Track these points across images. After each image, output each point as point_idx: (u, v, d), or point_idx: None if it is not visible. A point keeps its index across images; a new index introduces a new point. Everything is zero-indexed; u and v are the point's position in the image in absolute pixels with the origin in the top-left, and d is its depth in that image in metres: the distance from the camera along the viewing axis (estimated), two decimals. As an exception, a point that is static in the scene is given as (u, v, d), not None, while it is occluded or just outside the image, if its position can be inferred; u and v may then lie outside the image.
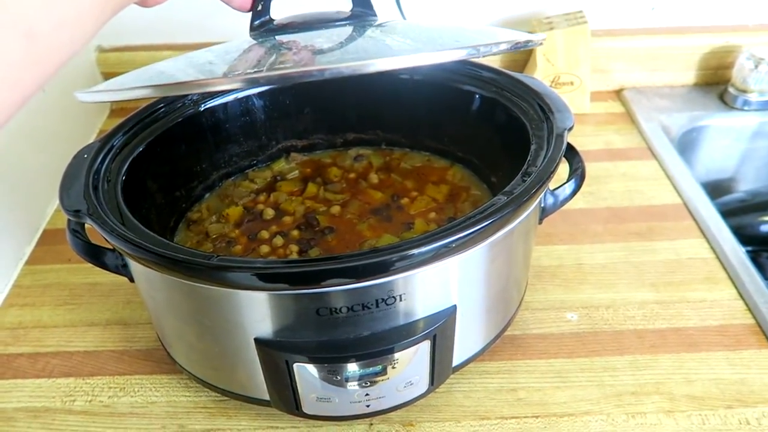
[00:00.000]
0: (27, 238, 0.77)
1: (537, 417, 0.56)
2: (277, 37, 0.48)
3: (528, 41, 0.44)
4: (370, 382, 0.49)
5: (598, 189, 0.83)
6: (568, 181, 0.55)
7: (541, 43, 0.46)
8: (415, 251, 0.41)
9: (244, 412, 0.57)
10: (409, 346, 0.47)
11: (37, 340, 0.65)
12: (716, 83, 1.03)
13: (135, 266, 0.49)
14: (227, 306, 0.45)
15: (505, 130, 0.60)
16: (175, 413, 0.57)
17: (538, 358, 0.61)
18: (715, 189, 0.97)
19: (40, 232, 0.79)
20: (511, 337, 0.62)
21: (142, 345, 0.64)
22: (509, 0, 1.00)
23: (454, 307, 0.49)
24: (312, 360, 0.47)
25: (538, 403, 0.57)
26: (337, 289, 0.43)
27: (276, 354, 0.47)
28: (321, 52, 0.44)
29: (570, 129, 0.52)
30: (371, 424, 0.55)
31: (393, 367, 0.48)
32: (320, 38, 0.46)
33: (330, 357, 0.47)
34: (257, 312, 0.45)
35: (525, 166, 0.50)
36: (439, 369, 0.52)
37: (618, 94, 1.04)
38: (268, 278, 0.41)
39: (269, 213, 0.66)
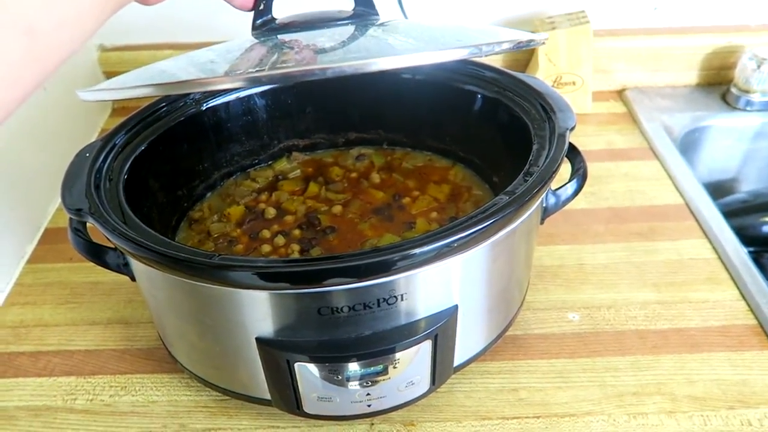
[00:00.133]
0: (28, 237, 0.77)
1: (538, 417, 0.56)
2: (279, 36, 0.48)
3: (530, 41, 0.44)
4: (371, 381, 0.49)
5: (599, 189, 0.83)
6: (569, 181, 0.55)
7: (543, 43, 0.46)
8: (417, 251, 0.41)
9: (245, 411, 0.57)
10: (411, 346, 0.47)
11: (39, 339, 0.65)
12: (718, 83, 1.03)
13: (136, 265, 0.49)
14: (228, 305, 0.45)
15: (507, 130, 0.60)
16: (176, 412, 0.57)
17: (539, 358, 0.61)
18: (717, 189, 0.97)
19: (42, 230, 0.79)
20: (513, 337, 0.62)
21: (143, 344, 0.64)
22: (511, 0, 1.00)
23: (456, 306, 0.48)
24: (313, 359, 0.47)
25: (540, 404, 0.57)
26: (339, 289, 0.43)
27: (277, 353, 0.47)
28: (323, 51, 0.44)
29: (572, 129, 0.52)
30: (372, 424, 0.55)
31: (394, 367, 0.48)
32: (322, 37, 0.46)
33: (331, 356, 0.47)
34: (258, 311, 0.45)
35: (527, 166, 0.50)
36: (441, 369, 0.52)
37: (620, 94, 1.04)
38: (269, 277, 0.41)
39: (271, 212, 0.66)
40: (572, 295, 0.67)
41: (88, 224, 0.50)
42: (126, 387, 0.59)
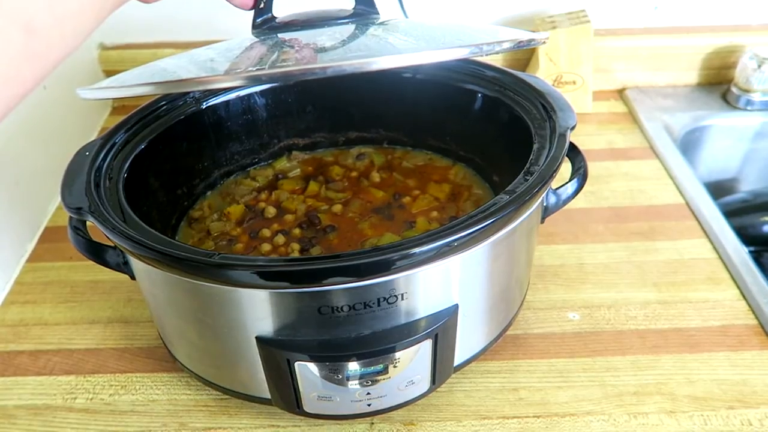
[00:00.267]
0: (28, 236, 0.77)
1: (538, 417, 0.56)
2: (279, 35, 0.48)
3: (531, 40, 0.44)
4: (371, 381, 0.49)
5: (600, 188, 0.83)
6: (570, 180, 0.55)
7: (544, 42, 0.46)
8: (417, 250, 0.41)
9: (245, 410, 0.57)
10: (411, 345, 0.47)
11: (39, 338, 0.65)
12: (719, 83, 1.03)
13: (136, 264, 0.49)
14: (228, 304, 0.45)
15: (508, 129, 0.60)
16: (176, 411, 0.57)
17: (539, 357, 0.61)
18: (718, 189, 0.97)
19: (42, 229, 0.79)
20: (513, 336, 0.62)
21: (143, 343, 0.64)
22: (512, -1, 1.00)
23: (456, 306, 0.48)
24: (313, 359, 0.47)
25: (540, 403, 0.57)
26: (339, 288, 0.43)
27: (277, 352, 0.47)
28: (323, 50, 0.44)
29: (572, 128, 0.52)
30: (372, 423, 0.55)
31: (394, 366, 0.48)
32: (322, 36, 0.46)
33: (331, 356, 0.47)
34: (258, 310, 0.45)
35: (527, 165, 0.49)
36: (441, 368, 0.52)
37: (620, 93, 1.04)
38: (269, 276, 0.41)
39: (271, 211, 0.66)
40: (572, 295, 0.67)
41: (88, 223, 0.50)
42: (126, 386, 0.59)
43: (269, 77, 0.39)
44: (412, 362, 0.49)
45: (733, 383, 0.58)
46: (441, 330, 0.48)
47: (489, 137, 0.65)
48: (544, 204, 0.54)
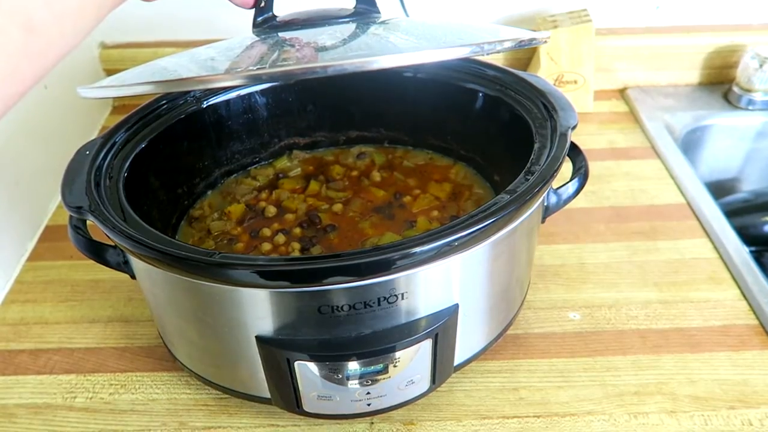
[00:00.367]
0: (29, 235, 0.77)
1: (539, 417, 0.55)
2: (279, 34, 0.48)
3: (532, 39, 0.44)
4: (371, 380, 0.49)
5: (601, 188, 0.83)
6: (571, 179, 0.55)
7: (545, 41, 0.46)
8: (418, 249, 0.41)
9: (244, 410, 0.57)
10: (411, 345, 0.47)
11: (39, 337, 0.65)
12: (720, 82, 1.03)
13: (136, 263, 0.49)
14: (229, 303, 0.45)
15: (509, 129, 0.60)
16: (175, 410, 0.57)
17: (540, 357, 0.61)
18: (719, 189, 0.97)
19: (42, 228, 0.79)
20: (513, 336, 0.62)
21: (143, 342, 0.64)
22: (513, -2, 1.00)
23: (456, 305, 0.48)
24: (313, 358, 0.47)
25: (540, 403, 0.57)
26: (339, 287, 0.43)
27: (277, 352, 0.47)
28: (324, 49, 0.44)
29: (573, 127, 0.52)
30: (372, 423, 0.55)
31: (394, 366, 0.48)
32: (323, 35, 0.46)
33: (331, 355, 0.47)
34: (259, 310, 0.45)
35: (528, 165, 0.49)
36: (441, 368, 0.52)
37: (622, 93, 1.04)
38: (269, 276, 0.41)
39: (271, 210, 0.66)
40: (573, 295, 0.67)
41: (88, 222, 0.50)
42: (126, 385, 0.59)
43: (270, 76, 0.39)
44: (413, 362, 0.49)
45: (734, 383, 0.58)
46: (441, 329, 0.48)
47: (490, 136, 0.65)
48: (545, 204, 0.54)
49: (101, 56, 1.02)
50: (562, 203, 0.55)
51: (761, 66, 0.93)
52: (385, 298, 0.44)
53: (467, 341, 0.53)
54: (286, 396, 0.50)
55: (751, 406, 0.56)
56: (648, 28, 1.02)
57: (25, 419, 0.57)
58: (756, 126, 0.96)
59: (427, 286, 0.46)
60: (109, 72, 1.02)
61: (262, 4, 0.50)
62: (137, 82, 0.40)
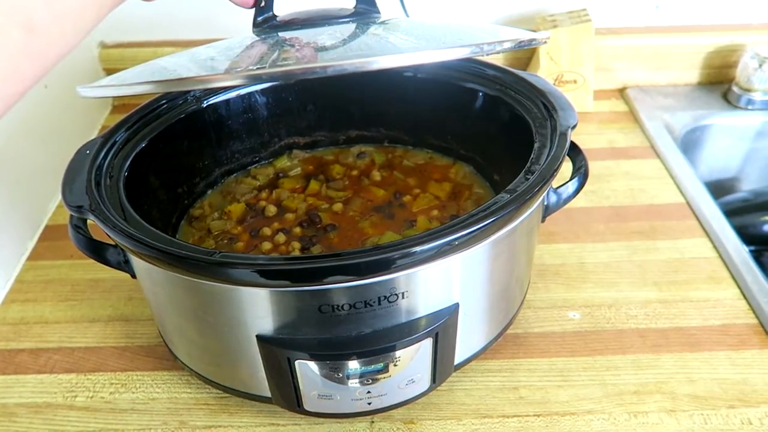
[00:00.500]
0: (29, 234, 0.77)
1: (539, 416, 0.56)
2: (279, 33, 0.48)
3: (532, 40, 0.44)
4: (371, 379, 0.49)
5: (600, 187, 0.83)
6: (571, 179, 0.55)
7: (545, 42, 0.46)
8: (418, 249, 0.41)
9: (245, 409, 0.57)
10: (411, 344, 0.47)
11: (39, 336, 0.65)
12: (720, 82, 1.03)
13: (137, 262, 0.49)
14: (229, 303, 0.45)
15: (509, 128, 0.60)
16: (176, 410, 0.57)
17: (539, 356, 0.61)
18: (719, 188, 0.97)
19: (42, 227, 0.79)
20: (513, 335, 0.62)
21: (143, 341, 0.64)
22: (513, -2, 1.00)
23: (457, 305, 0.48)
24: (313, 357, 0.47)
25: (540, 402, 0.57)
26: (340, 287, 0.43)
27: (278, 351, 0.47)
28: (324, 49, 0.44)
29: (573, 127, 0.52)
30: (372, 422, 0.55)
31: (395, 365, 0.48)
32: (323, 35, 0.46)
33: (332, 354, 0.47)
34: (259, 309, 0.45)
35: (528, 164, 0.49)
36: (441, 367, 0.52)
37: (621, 92, 1.04)
38: (270, 275, 0.41)
39: (271, 210, 0.66)
40: (573, 294, 0.67)
41: (88, 221, 0.50)
42: (126, 384, 0.59)
43: (270, 76, 0.39)
44: (413, 361, 0.49)
45: (733, 382, 0.58)
46: (441, 329, 0.48)
47: (490, 136, 0.65)
48: (545, 203, 0.54)
49: (101, 56, 1.02)
50: (562, 203, 0.55)
51: (761, 66, 0.93)
52: (385, 297, 0.44)
53: (467, 340, 0.53)
54: (287, 395, 0.50)
55: (750, 405, 0.56)
56: (647, 28, 1.02)
57: (25, 418, 0.57)
58: (755, 125, 0.96)
59: (428, 285, 0.46)
60: (109, 71, 1.02)
61: (263, 4, 0.50)
62: (137, 81, 0.40)
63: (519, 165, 0.50)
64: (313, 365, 0.47)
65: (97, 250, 0.51)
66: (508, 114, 0.60)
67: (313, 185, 0.69)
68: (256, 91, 0.67)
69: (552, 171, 0.48)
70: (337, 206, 0.66)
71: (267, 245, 0.61)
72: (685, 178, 0.83)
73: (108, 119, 1.01)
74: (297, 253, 0.60)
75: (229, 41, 0.47)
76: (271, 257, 0.47)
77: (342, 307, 0.44)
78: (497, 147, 0.65)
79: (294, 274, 0.41)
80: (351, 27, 0.48)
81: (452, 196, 0.67)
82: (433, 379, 0.52)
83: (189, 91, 0.63)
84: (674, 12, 1.02)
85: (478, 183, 0.69)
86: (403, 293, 0.45)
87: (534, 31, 0.47)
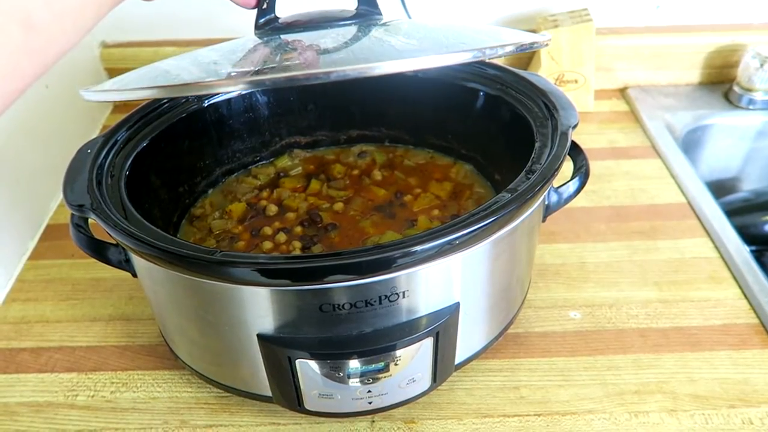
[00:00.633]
0: (30, 233, 0.77)
1: (539, 415, 0.56)
2: (282, 36, 0.48)
3: (533, 43, 0.44)
4: (372, 378, 0.49)
5: (601, 187, 0.83)
6: (571, 179, 0.55)
7: (546, 44, 0.46)
8: (419, 248, 0.41)
9: (246, 408, 0.57)
10: (412, 343, 0.47)
11: (40, 335, 0.65)
12: (721, 82, 1.03)
13: (138, 261, 0.49)
14: (230, 302, 0.45)
15: (510, 128, 0.60)
16: (177, 409, 0.57)
17: (540, 356, 0.61)
18: (720, 188, 0.97)
19: (44, 227, 0.79)
20: (514, 335, 0.62)
21: (144, 340, 0.64)
22: (514, -3, 1.00)
23: (457, 304, 0.48)
24: (314, 356, 0.47)
25: (541, 402, 0.57)
26: (340, 286, 0.43)
27: (278, 350, 0.47)
28: (326, 52, 0.44)
29: (574, 127, 0.52)
30: (373, 421, 0.55)
31: (395, 364, 0.48)
32: (325, 38, 0.46)
33: (332, 353, 0.47)
34: (260, 308, 0.45)
35: (529, 164, 0.49)
36: (442, 366, 0.52)
37: (622, 92, 1.04)
38: (270, 274, 0.41)
39: (272, 209, 0.66)
40: (574, 294, 0.67)
41: (89, 221, 0.50)
42: (127, 383, 0.60)
43: (273, 82, 0.39)
44: (413, 360, 0.49)
45: (734, 382, 0.58)
46: (442, 328, 0.48)
47: (491, 135, 0.65)
48: (546, 203, 0.54)
49: (102, 55, 1.02)
50: (562, 202, 0.55)
51: (762, 65, 0.93)
52: (386, 296, 0.44)
53: (468, 340, 0.53)
54: (288, 394, 0.51)
55: (751, 405, 0.56)
56: (648, 28, 1.02)
57: (26, 417, 0.57)
58: (756, 125, 0.96)
59: (428, 284, 0.46)
60: (110, 71, 1.02)
61: (265, 6, 0.50)
62: (140, 86, 0.40)
63: (520, 164, 0.50)
64: (313, 364, 0.47)
65: (98, 249, 0.51)
66: (509, 113, 0.60)
67: (314, 185, 0.69)
68: (258, 91, 0.68)
69: (553, 170, 0.48)
70: (338, 206, 0.66)
71: (268, 244, 0.61)
72: (686, 177, 0.83)
73: (109, 119, 1.01)
74: (298, 252, 0.60)
75: (231, 44, 0.47)
76: (272, 256, 0.47)
77: (343, 306, 0.44)
78: (498, 146, 0.65)
79: (295, 273, 0.41)
80: (353, 29, 0.48)
81: (453, 195, 0.67)
82: (434, 379, 0.52)
83: (190, 91, 0.63)
84: (675, 12, 1.02)
85: (479, 182, 0.69)
86: (403, 292, 0.45)
87: (535, 30, 0.47)
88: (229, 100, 0.66)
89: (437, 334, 0.48)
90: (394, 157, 0.73)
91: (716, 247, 0.72)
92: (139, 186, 0.55)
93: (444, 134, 0.72)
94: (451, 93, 0.66)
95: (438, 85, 0.66)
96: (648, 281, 0.69)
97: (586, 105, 0.99)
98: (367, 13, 0.52)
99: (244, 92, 0.66)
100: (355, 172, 0.71)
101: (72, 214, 0.50)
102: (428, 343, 0.48)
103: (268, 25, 0.50)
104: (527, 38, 0.44)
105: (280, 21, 0.51)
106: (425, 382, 0.52)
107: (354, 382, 0.49)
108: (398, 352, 0.47)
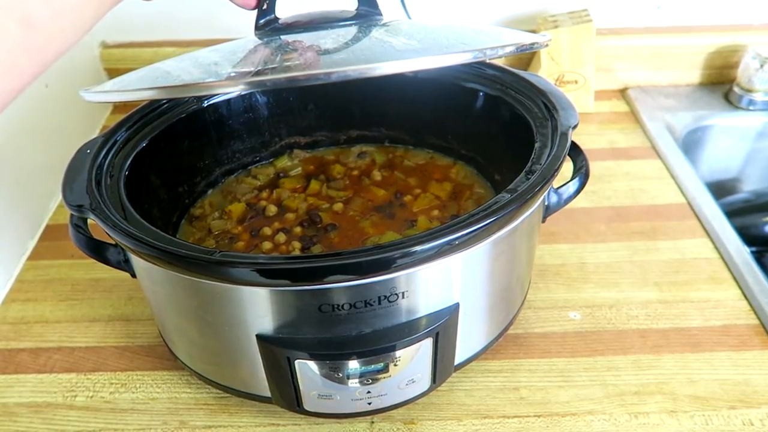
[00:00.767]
0: (30, 233, 0.77)
1: (539, 416, 0.55)
2: (282, 36, 0.48)
3: (533, 43, 0.44)
4: (371, 379, 0.49)
5: (601, 188, 0.83)
6: (571, 179, 0.55)
7: (546, 45, 0.46)
8: (418, 248, 0.41)
9: (245, 408, 0.57)
10: (411, 344, 0.47)
11: (39, 336, 0.65)
12: (721, 83, 1.03)
13: (137, 262, 0.49)
14: (229, 302, 0.45)
15: (509, 128, 0.60)
16: (176, 409, 0.57)
17: (540, 357, 0.61)
18: (720, 189, 0.97)
19: (43, 227, 0.79)
20: (514, 335, 0.62)
21: (143, 341, 0.64)
22: (514, -2, 1.00)
23: (457, 304, 0.48)
24: (313, 357, 0.47)
25: (541, 403, 0.57)
26: (340, 286, 0.43)
27: (277, 350, 0.47)
28: (326, 52, 0.44)
29: (574, 127, 0.52)
30: (372, 422, 0.55)
31: (395, 365, 0.48)
32: (326, 39, 0.46)
33: (331, 354, 0.47)
34: (259, 308, 0.45)
35: (529, 164, 0.49)
36: (441, 367, 0.52)
37: (622, 93, 1.04)
38: (270, 274, 0.41)
39: (272, 209, 0.66)
40: (573, 294, 0.67)
41: (89, 221, 0.50)
42: (126, 384, 0.59)
43: (274, 83, 0.39)
44: (413, 361, 0.49)
45: (734, 383, 0.58)
46: (442, 329, 0.48)
47: (490, 136, 0.65)
48: (546, 203, 0.54)
49: (102, 55, 1.02)
50: (562, 203, 0.55)
51: (762, 66, 0.93)
52: (385, 296, 0.44)
53: (468, 340, 0.53)
54: (287, 395, 0.50)
55: (751, 406, 0.56)
56: (649, 28, 1.02)
57: (25, 418, 0.57)
58: (756, 126, 0.96)
59: (428, 285, 0.46)
60: (110, 71, 1.02)
61: (265, 6, 0.50)
62: (141, 87, 0.40)
63: (520, 165, 0.50)
64: (313, 365, 0.47)
65: (97, 250, 0.51)
66: (509, 114, 0.60)
67: (314, 185, 0.69)
68: (257, 92, 0.67)
69: (553, 171, 0.48)
70: (338, 206, 0.66)
71: (267, 245, 0.61)
72: (686, 178, 0.83)
73: (109, 119, 1.01)
74: (297, 252, 0.60)
75: (231, 44, 0.47)
76: (271, 256, 0.47)
77: (342, 306, 0.44)
78: (498, 147, 0.65)
79: (294, 274, 0.41)
80: (353, 30, 0.48)
81: (453, 196, 0.67)
82: (434, 379, 0.52)
83: (190, 91, 0.63)
84: (675, 12, 1.02)
85: (478, 183, 0.69)
86: (403, 293, 0.45)
87: (535, 31, 0.47)
88: (228, 101, 0.66)
89: (437, 334, 0.48)
90: (393, 158, 0.73)
91: (716, 248, 0.72)
92: (139, 186, 0.55)
93: (444, 134, 0.72)
94: (451, 93, 0.66)
95: (438, 86, 0.66)
96: (648, 282, 0.68)
97: (586, 105, 0.99)
98: (367, 14, 0.52)
99: (243, 93, 0.66)
100: (355, 172, 0.71)
101: (71, 215, 0.50)
102: (428, 343, 0.48)
103: (269, 26, 0.50)
104: (527, 38, 0.44)
105: (280, 21, 0.50)
106: (425, 382, 0.52)
107: (353, 383, 0.49)
108: (398, 353, 0.47)
